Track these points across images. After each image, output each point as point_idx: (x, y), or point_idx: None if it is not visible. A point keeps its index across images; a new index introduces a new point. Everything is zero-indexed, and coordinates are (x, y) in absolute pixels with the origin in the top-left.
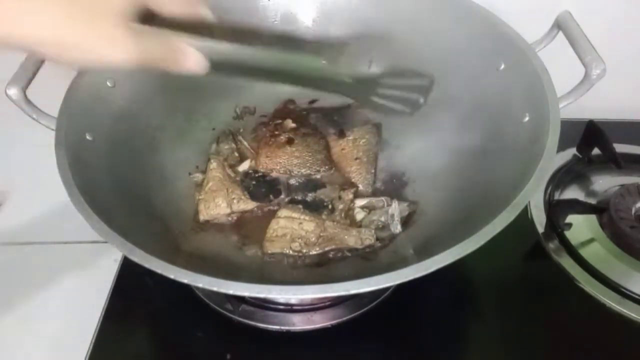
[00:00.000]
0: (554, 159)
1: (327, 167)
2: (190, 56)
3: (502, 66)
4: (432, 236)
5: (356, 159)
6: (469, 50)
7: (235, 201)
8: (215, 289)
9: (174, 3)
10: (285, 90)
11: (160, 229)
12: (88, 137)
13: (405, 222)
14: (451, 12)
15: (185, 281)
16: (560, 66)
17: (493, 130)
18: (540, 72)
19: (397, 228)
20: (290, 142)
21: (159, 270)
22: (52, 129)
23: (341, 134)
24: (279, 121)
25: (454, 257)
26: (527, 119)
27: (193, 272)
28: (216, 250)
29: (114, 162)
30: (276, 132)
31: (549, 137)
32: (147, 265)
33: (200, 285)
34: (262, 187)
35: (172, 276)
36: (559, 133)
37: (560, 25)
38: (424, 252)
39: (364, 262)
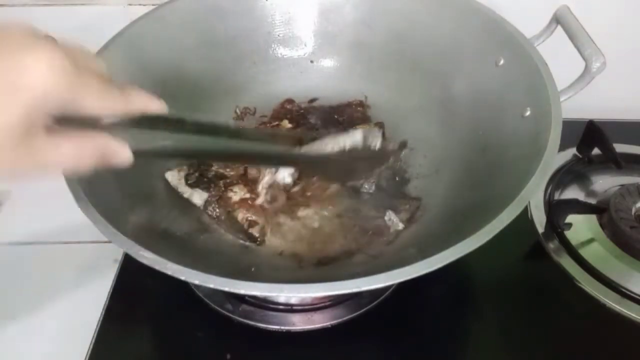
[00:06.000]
0: (555, 156)
1: None
2: (118, 152)
3: (502, 61)
4: (436, 233)
5: None
6: (468, 46)
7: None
8: (226, 289)
9: (104, 100)
10: (285, 91)
11: (164, 230)
12: None
13: (409, 219)
14: (449, 9)
15: (197, 282)
16: (560, 62)
17: (494, 125)
18: (540, 66)
19: (399, 226)
20: None
21: (169, 272)
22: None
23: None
24: (276, 123)
25: (461, 253)
26: (528, 113)
27: (204, 272)
28: (221, 250)
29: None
30: None
31: (551, 130)
32: (157, 267)
33: (211, 285)
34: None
35: (183, 277)
36: (561, 126)
37: (559, 20)
38: (428, 249)
39: (369, 260)
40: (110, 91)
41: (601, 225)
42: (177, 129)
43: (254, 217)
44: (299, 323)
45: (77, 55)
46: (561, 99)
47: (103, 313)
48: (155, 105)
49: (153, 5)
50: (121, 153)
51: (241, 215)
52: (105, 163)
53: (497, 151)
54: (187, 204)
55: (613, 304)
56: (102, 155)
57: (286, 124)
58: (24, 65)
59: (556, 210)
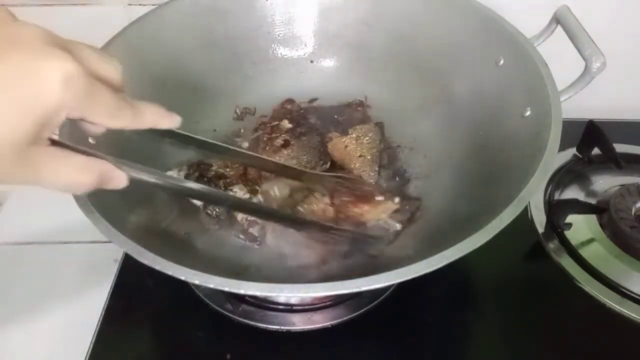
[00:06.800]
0: (555, 156)
1: (322, 162)
2: (115, 178)
3: (502, 61)
4: (436, 233)
5: (360, 156)
6: (468, 46)
7: None
8: (226, 289)
9: (114, 117)
10: (285, 91)
11: (164, 230)
12: (91, 141)
13: (409, 219)
14: (449, 9)
15: (197, 282)
16: (560, 62)
17: (494, 125)
18: (540, 66)
19: (396, 227)
20: (286, 144)
21: (169, 272)
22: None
23: (343, 132)
24: (276, 123)
25: (461, 253)
26: (528, 113)
27: (204, 272)
28: (221, 250)
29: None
30: (273, 135)
31: (551, 129)
32: (157, 267)
33: (211, 285)
34: None
35: (183, 277)
36: (561, 126)
37: (559, 20)
38: (428, 249)
39: (369, 259)
40: (121, 107)
41: (601, 225)
42: (182, 143)
43: (254, 217)
44: (299, 323)
45: (91, 62)
46: (561, 99)
47: (103, 313)
48: (166, 122)
49: (153, 5)
50: (118, 179)
51: (241, 215)
52: (101, 186)
53: (497, 151)
54: (187, 204)
55: (613, 304)
56: (100, 180)
57: (286, 124)
58: (38, 77)
59: (556, 210)
